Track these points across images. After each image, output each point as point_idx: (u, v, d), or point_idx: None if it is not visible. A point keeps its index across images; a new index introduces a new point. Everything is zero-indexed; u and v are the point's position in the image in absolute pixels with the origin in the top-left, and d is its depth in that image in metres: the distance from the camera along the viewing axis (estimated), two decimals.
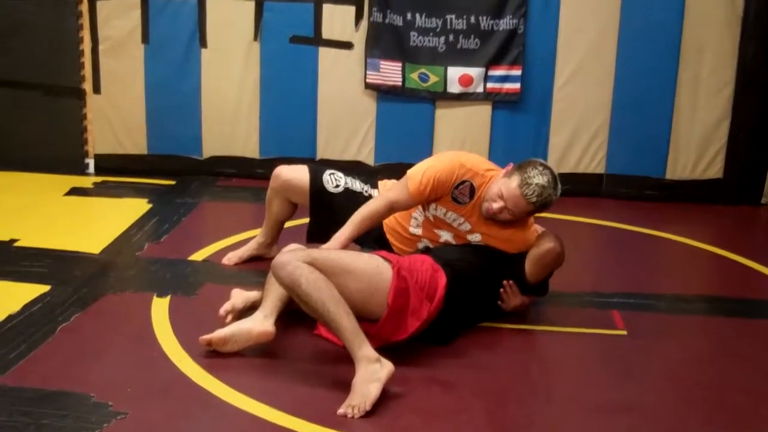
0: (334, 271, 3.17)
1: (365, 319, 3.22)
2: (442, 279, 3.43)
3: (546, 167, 3.62)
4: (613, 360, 3.51)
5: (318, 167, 4.17)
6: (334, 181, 4.05)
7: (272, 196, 4.19)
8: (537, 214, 3.74)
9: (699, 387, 3.29)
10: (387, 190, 3.79)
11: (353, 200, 3.96)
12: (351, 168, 5.93)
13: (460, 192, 3.68)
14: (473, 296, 3.59)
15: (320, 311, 3.08)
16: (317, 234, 4.00)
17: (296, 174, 4.09)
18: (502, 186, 3.59)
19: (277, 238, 4.33)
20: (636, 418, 3.01)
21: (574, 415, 3.03)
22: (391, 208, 3.72)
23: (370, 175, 5.83)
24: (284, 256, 3.18)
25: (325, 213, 4.01)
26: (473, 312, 3.64)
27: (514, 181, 3.57)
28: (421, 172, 3.66)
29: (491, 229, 3.73)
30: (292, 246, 3.60)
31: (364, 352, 3.03)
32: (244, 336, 3.30)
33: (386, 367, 3.02)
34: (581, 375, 3.41)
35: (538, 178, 3.55)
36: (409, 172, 3.71)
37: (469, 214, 3.72)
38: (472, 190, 3.68)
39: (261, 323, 3.33)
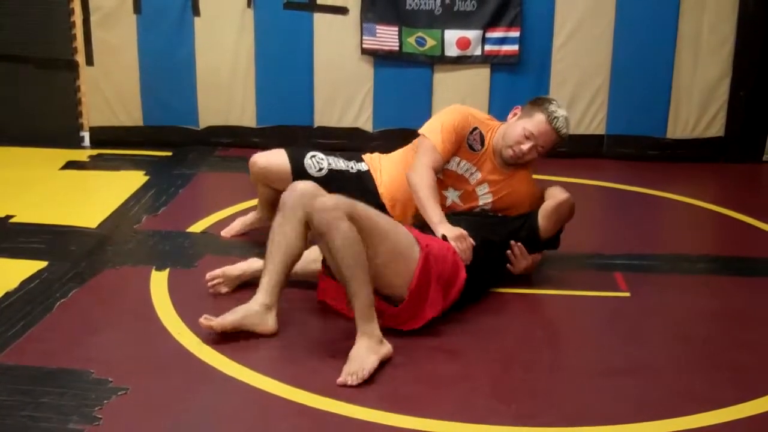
0: (371, 233, 3.08)
1: (381, 295, 3.17)
2: (462, 275, 3.36)
3: (556, 100, 3.77)
4: (617, 322, 3.50)
5: (297, 150, 3.98)
6: (317, 164, 3.89)
7: (253, 182, 4.08)
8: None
9: (704, 347, 3.28)
10: (417, 157, 3.67)
11: (340, 180, 3.82)
12: (350, 135, 5.94)
13: (473, 138, 3.71)
14: (485, 274, 3.56)
15: (346, 271, 2.99)
16: None
17: (274, 160, 3.92)
18: (527, 126, 3.67)
19: (274, 212, 4.25)
20: (641, 380, 2.99)
21: (579, 380, 3.01)
22: (435, 172, 3.65)
23: (368, 140, 5.83)
24: (330, 200, 3.05)
25: None
26: (482, 287, 3.61)
27: (540, 118, 3.67)
28: (438, 129, 3.66)
29: (500, 177, 3.76)
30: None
31: (371, 328, 3.01)
32: (247, 329, 3.20)
33: (386, 347, 3.02)
34: (585, 338, 3.39)
35: (560, 110, 3.70)
36: (424, 133, 3.70)
37: (480, 163, 3.75)
38: (482, 138, 3.74)
39: (264, 321, 3.21)
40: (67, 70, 6.00)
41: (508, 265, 3.69)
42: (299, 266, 3.43)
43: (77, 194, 5.12)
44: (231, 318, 3.17)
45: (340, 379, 2.90)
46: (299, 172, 3.83)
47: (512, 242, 3.67)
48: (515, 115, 3.78)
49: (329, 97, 5.98)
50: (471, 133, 3.71)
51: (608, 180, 5.47)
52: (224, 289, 3.57)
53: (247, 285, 3.57)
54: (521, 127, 3.67)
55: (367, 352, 2.96)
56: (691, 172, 5.76)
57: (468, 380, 2.98)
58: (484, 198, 3.79)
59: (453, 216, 3.64)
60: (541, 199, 3.80)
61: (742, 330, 3.42)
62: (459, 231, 3.45)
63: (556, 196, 3.74)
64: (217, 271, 3.56)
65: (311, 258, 3.51)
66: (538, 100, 3.78)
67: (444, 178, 3.77)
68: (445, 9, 5.74)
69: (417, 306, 3.23)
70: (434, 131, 3.67)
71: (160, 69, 5.96)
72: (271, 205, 3.99)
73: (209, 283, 3.56)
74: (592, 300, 3.68)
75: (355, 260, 3.00)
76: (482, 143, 3.73)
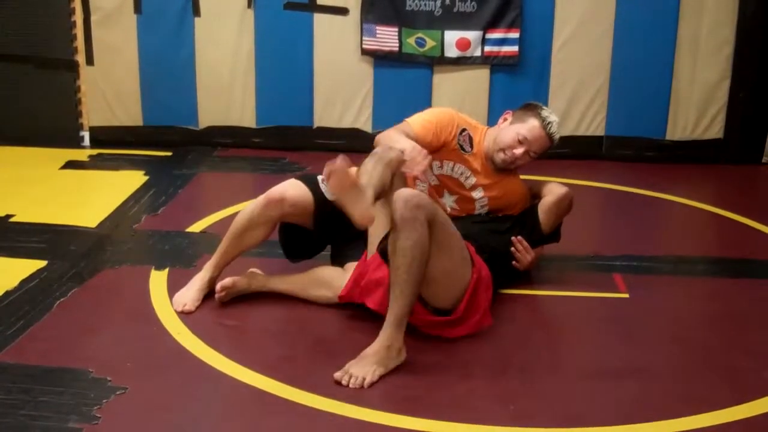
0: (440, 245, 3.06)
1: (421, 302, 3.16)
2: (488, 317, 3.38)
3: (545, 107, 3.79)
4: (616, 323, 3.50)
5: (306, 178, 3.63)
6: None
7: (260, 221, 3.51)
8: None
9: (702, 349, 3.28)
10: (394, 129, 3.57)
11: None
12: (350, 135, 5.95)
13: (463, 139, 3.70)
14: (496, 284, 3.55)
15: (405, 274, 2.95)
16: (318, 249, 3.76)
17: (297, 192, 3.54)
18: (521, 130, 3.67)
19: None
20: (639, 382, 2.99)
21: (577, 381, 3.02)
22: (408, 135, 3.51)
23: (367, 140, 5.80)
24: (418, 198, 3.00)
25: (329, 225, 3.55)
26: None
27: (534, 123, 3.67)
28: (420, 117, 3.65)
29: (492, 181, 3.75)
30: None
31: (396, 337, 3.01)
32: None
33: (400, 359, 3.02)
34: (584, 340, 3.39)
35: (552, 116, 3.71)
36: (405, 120, 3.63)
37: (473, 166, 3.74)
38: (471, 140, 3.73)
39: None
40: (67, 69, 6.01)
41: (513, 262, 3.71)
42: (302, 288, 3.51)
43: (77, 194, 5.12)
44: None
45: (338, 374, 2.91)
46: (320, 200, 3.52)
47: (514, 238, 3.69)
48: (505, 120, 3.77)
49: (329, 97, 5.98)
50: (461, 133, 3.69)
51: (607, 181, 5.47)
52: (227, 299, 3.53)
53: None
54: (514, 132, 3.66)
55: (378, 362, 2.96)
56: (691, 173, 5.76)
57: (466, 380, 2.98)
58: (481, 202, 3.78)
59: (454, 222, 3.63)
60: (533, 198, 3.85)
61: (740, 332, 3.42)
62: (418, 146, 3.36)
63: (555, 191, 3.77)
64: (227, 282, 3.49)
65: (316, 280, 3.53)
66: (530, 105, 3.78)
67: (441, 183, 3.75)
68: (445, 10, 5.74)
69: (456, 324, 3.25)
70: (415, 118, 3.64)
71: (160, 69, 5.96)
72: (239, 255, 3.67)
73: (218, 295, 3.48)
74: (591, 301, 3.68)
75: (417, 268, 2.98)
76: (471, 145, 3.72)
